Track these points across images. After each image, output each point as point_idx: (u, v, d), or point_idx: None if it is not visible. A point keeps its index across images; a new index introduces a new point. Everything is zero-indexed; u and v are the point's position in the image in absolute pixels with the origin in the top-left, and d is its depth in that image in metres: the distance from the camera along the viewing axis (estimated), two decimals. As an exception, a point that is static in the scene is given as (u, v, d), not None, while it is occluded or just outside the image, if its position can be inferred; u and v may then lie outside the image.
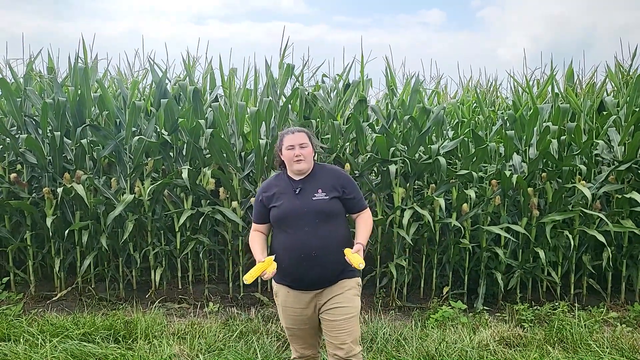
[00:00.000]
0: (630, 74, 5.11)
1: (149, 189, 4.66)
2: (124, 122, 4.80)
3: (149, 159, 4.92)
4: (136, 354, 3.49)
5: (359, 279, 2.73)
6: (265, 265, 2.48)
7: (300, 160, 2.64)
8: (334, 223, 2.63)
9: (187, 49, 4.89)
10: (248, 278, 2.40)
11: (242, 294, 5.05)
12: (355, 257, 2.47)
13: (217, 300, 4.98)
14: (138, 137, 4.64)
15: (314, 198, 2.60)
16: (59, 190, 4.50)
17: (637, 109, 4.90)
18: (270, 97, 4.79)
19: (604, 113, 5.28)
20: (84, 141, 4.75)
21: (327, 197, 2.61)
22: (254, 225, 2.83)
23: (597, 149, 5.01)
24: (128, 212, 4.85)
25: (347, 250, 2.57)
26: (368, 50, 6.11)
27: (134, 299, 4.92)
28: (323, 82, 5.33)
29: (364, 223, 2.76)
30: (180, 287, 5.24)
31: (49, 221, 4.54)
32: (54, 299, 4.90)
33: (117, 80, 4.88)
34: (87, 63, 4.82)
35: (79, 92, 4.83)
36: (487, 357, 3.55)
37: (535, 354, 3.48)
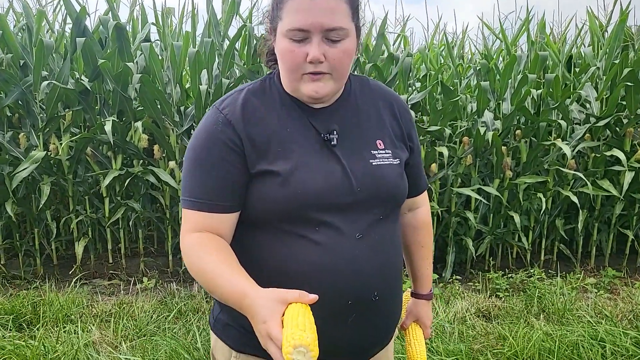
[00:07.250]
0: (611, 23, 4.73)
1: (66, 144, 3.89)
2: (31, 63, 3.95)
3: (67, 110, 4.13)
4: (39, 344, 2.78)
5: None
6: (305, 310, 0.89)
7: (321, 74, 1.04)
8: (397, 222, 1.25)
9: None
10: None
11: (183, 268, 4.41)
12: (423, 347, 1.36)
13: (155, 275, 4.33)
14: (49, 82, 3.82)
15: (373, 161, 1.13)
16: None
17: (617, 61, 4.55)
18: (212, 38, 4.07)
19: (577, 70, 4.94)
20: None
21: (397, 160, 1.18)
22: (195, 215, 1.09)
23: (571, 106, 4.65)
24: (42, 174, 4.07)
25: (419, 332, 1.40)
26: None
27: (55, 277, 4.20)
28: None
29: (429, 237, 1.41)
30: (111, 261, 4.54)
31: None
32: (-49, 279, 4.10)
33: (23, 6, 3.94)
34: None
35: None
36: (467, 333, 3.11)
37: (523, 328, 3.06)
